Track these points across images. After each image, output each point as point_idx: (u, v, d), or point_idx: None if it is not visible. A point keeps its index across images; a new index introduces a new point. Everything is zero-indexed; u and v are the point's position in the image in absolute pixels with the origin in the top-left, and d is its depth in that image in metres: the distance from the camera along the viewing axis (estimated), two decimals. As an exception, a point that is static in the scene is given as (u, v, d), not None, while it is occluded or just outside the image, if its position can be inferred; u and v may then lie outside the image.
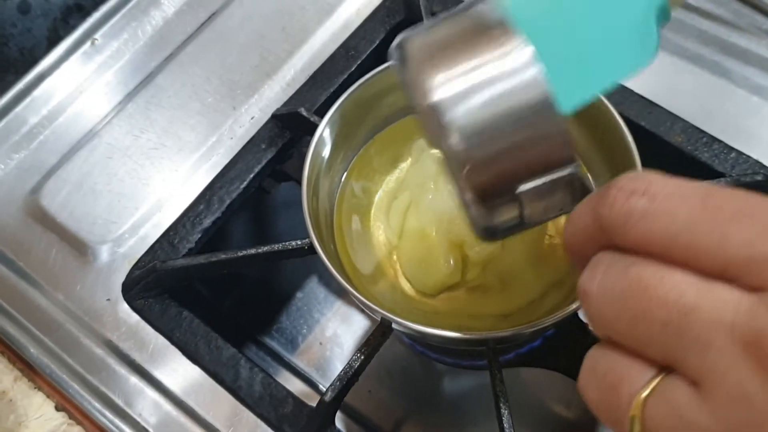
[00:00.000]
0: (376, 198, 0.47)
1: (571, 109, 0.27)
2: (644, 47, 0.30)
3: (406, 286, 0.44)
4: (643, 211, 0.21)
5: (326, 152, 0.44)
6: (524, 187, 0.27)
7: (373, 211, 0.47)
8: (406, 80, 0.28)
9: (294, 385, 0.58)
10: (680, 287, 0.20)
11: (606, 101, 0.42)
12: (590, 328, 0.23)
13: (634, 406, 0.20)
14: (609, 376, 0.22)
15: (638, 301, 0.21)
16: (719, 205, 0.20)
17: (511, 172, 0.27)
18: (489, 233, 0.29)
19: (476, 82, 0.26)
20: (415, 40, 0.28)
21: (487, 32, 0.27)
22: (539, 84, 0.26)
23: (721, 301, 0.19)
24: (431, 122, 0.27)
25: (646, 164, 0.41)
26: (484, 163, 0.26)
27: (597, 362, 0.22)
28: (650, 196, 0.21)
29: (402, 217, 0.46)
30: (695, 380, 0.20)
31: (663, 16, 0.32)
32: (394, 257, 0.45)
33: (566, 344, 0.46)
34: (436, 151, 0.35)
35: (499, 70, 0.26)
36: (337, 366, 0.59)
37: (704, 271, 0.20)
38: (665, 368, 0.21)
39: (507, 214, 0.28)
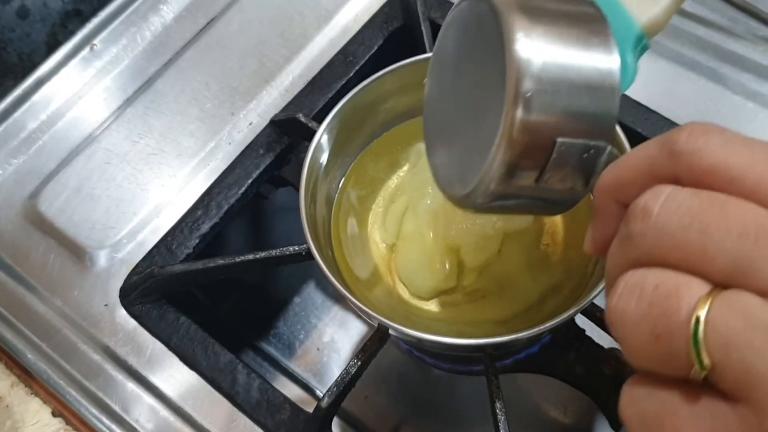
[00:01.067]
0: (374, 203, 0.47)
1: None
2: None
3: (404, 292, 0.45)
4: (721, 143, 0.21)
5: (324, 158, 0.44)
6: (563, 139, 0.27)
7: (370, 217, 0.47)
8: (486, 12, 0.29)
9: (291, 391, 0.58)
10: (757, 210, 0.20)
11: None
12: (625, 254, 0.23)
13: (699, 309, 0.20)
14: (662, 288, 0.21)
15: (712, 215, 0.20)
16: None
17: (561, 118, 0.27)
18: (487, 190, 0.29)
19: (565, 36, 0.28)
20: None
21: (581, 6, 0.29)
22: (617, 70, 0.28)
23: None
24: (504, 49, 0.27)
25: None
26: (544, 96, 0.27)
27: (644, 278, 0.21)
28: (728, 137, 0.21)
29: (399, 221, 0.46)
30: (765, 291, 0.19)
31: (642, 49, 0.33)
32: (392, 263, 0.45)
33: (563, 350, 0.46)
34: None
35: (589, 41, 0.28)
36: (335, 371, 0.59)
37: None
38: (722, 286, 0.20)
39: (527, 167, 0.28)
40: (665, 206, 0.21)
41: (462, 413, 0.56)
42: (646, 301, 0.21)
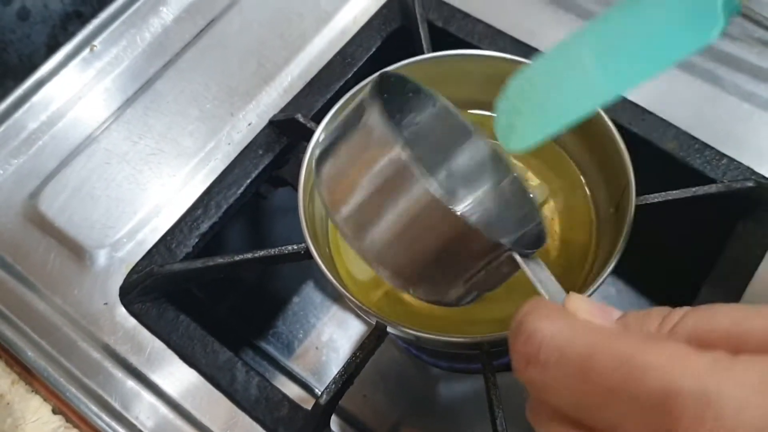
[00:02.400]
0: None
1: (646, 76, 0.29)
2: (704, 23, 0.31)
3: (403, 293, 0.45)
4: (541, 384, 0.22)
5: (322, 158, 0.45)
6: (462, 278, 0.28)
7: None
8: (324, 201, 0.30)
9: (290, 390, 0.58)
10: None
11: (599, 109, 0.42)
12: None
13: None
14: None
15: None
16: (597, 378, 0.21)
17: (441, 276, 0.28)
18: (454, 306, 0.31)
19: (373, 202, 0.27)
20: (325, 162, 0.29)
21: (372, 147, 0.27)
22: (424, 190, 0.26)
23: None
24: (348, 241, 0.29)
25: (639, 170, 0.41)
26: (406, 274, 0.28)
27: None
28: (542, 368, 0.22)
29: None
30: None
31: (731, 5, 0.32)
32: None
33: (560, 348, 0.47)
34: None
35: (389, 188, 0.27)
36: (333, 370, 0.59)
37: None
38: None
39: (453, 295, 0.29)
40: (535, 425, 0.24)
41: (460, 412, 0.57)
42: None
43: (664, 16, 0.31)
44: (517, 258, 0.27)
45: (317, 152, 0.30)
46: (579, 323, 0.23)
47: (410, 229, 0.27)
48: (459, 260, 0.27)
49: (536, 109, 0.31)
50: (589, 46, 0.31)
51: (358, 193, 0.27)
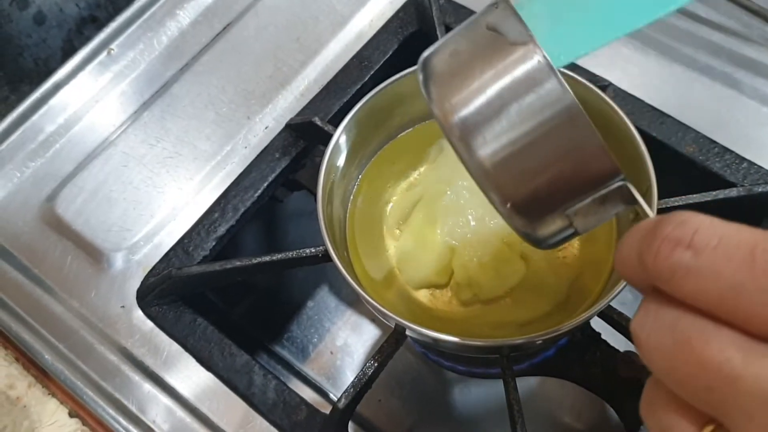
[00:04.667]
0: (389, 206, 0.47)
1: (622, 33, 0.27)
2: None
3: (420, 295, 0.45)
4: (687, 268, 0.21)
5: (340, 160, 0.45)
6: (572, 208, 0.26)
7: (386, 219, 0.47)
8: (432, 100, 0.27)
9: (304, 394, 0.57)
10: (726, 351, 0.20)
11: (621, 112, 0.42)
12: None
13: None
14: (663, 421, 0.22)
15: (685, 363, 0.20)
16: (766, 266, 0.20)
17: (551, 196, 0.26)
18: (542, 244, 0.28)
19: (495, 101, 0.25)
20: (437, 58, 0.27)
21: (506, 47, 0.25)
22: (565, 97, 0.24)
23: (765, 370, 0.19)
24: (458, 149, 0.26)
25: (658, 174, 0.41)
26: (519, 189, 0.25)
27: (652, 402, 0.22)
28: (695, 251, 0.20)
29: (409, 209, 0.46)
30: None
31: None
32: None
33: (579, 354, 0.46)
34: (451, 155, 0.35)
35: (518, 86, 0.25)
36: (348, 375, 0.59)
37: (751, 333, 0.20)
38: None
39: (554, 228, 0.27)
40: (648, 340, 0.22)
41: (475, 417, 0.56)
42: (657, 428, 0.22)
43: None
44: (633, 189, 0.25)
45: (425, 54, 0.28)
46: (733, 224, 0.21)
47: (534, 136, 0.25)
48: (573, 181, 0.25)
49: (576, 14, 0.28)
50: None
51: (479, 94, 0.25)
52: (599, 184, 0.26)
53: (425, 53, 0.28)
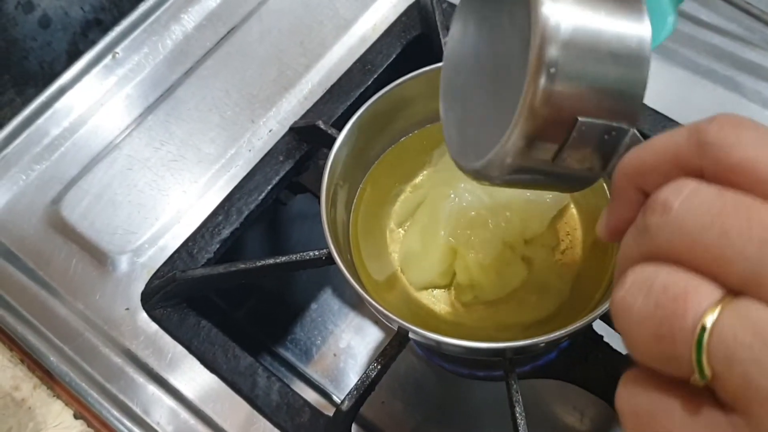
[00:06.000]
0: (392, 209, 0.47)
1: None
2: (655, 25, 0.30)
3: (423, 297, 0.45)
4: (753, 140, 0.20)
5: (344, 164, 0.45)
6: (585, 118, 0.26)
7: (389, 222, 0.47)
8: None
9: (308, 396, 0.58)
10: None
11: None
12: (638, 246, 0.22)
13: (706, 316, 0.19)
14: (672, 289, 0.20)
15: (735, 218, 0.20)
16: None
17: (584, 96, 0.26)
18: (501, 164, 0.28)
19: (594, 2, 0.26)
20: None
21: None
22: (647, 43, 0.26)
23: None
24: (530, 19, 0.26)
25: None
26: (569, 70, 0.26)
27: (653, 276, 0.20)
28: (762, 133, 0.21)
29: (412, 210, 0.46)
30: None
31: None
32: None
33: (582, 356, 0.47)
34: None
35: (618, 11, 0.26)
36: (351, 377, 0.59)
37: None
38: (734, 293, 0.20)
39: (546, 142, 0.27)
40: (686, 202, 0.21)
41: (478, 419, 0.56)
42: (653, 300, 0.20)
43: None
44: (638, 134, 0.27)
45: None
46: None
47: (610, 40, 0.26)
48: (608, 94, 0.26)
49: None
50: None
51: None
52: (617, 116, 0.27)
53: None
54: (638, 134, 0.27)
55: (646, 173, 0.23)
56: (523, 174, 0.29)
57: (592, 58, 0.26)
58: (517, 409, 0.41)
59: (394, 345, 0.43)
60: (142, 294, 0.50)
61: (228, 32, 0.60)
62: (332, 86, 0.56)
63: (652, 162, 0.23)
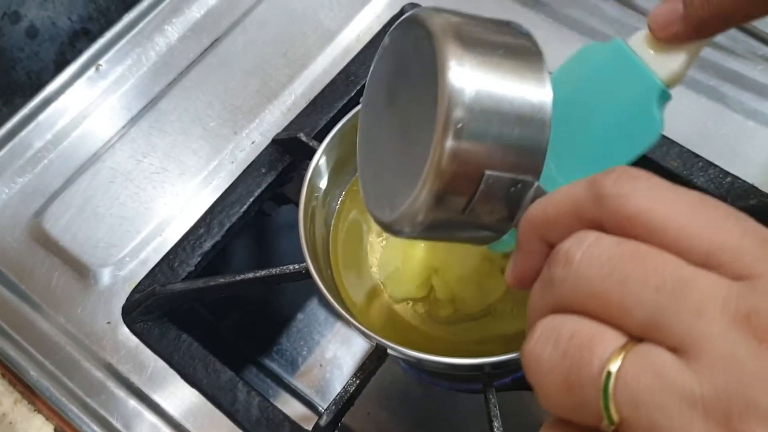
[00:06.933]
0: (372, 223, 0.47)
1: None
2: (646, 129, 0.32)
3: (404, 312, 0.45)
4: (646, 191, 0.21)
5: (324, 178, 0.45)
6: (491, 171, 0.27)
7: (369, 237, 0.47)
8: (423, 33, 0.29)
9: (293, 407, 0.58)
10: (676, 262, 0.20)
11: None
12: (544, 299, 0.23)
13: (610, 363, 0.20)
14: (577, 337, 0.21)
15: (632, 266, 0.21)
16: (715, 205, 0.21)
17: (489, 151, 0.27)
18: (413, 217, 0.29)
19: (498, 65, 0.28)
20: (447, 11, 0.30)
21: (518, 42, 0.29)
22: (548, 104, 0.28)
23: (714, 279, 0.20)
24: (438, 77, 0.27)
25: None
26: (474, 127, 0.27)
27: (560, 325, 0.21)
28: (654, 184, 0.22)
29: None
30: (678, 347, 0.19)
31: (664, 98, 0.34)
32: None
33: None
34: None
35: (520, 70, 0.28)
36: (337, 388, 0.59)
37: (693, 259, 0.20)
38: (637, 339, 0.20)
39: (455, 195, 0.28)
40: (587, 254, 0.21)
41: (464, 430, 0.56)
42: (561, 350, 0.21)
43: (604, 122, 0.31)
44: (532, 194, 0.28)
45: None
46: None
47: (513, 98, 0.27)
48: (512, 150, 0.28)
49: None
50: None
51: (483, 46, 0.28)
52: (522, 170, 0.28)
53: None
54: (542, 187, 0.29)
55: (549, 225, 0.24)
56: (434, 229, 0.30)
57: (496, 119, 0.27)
58: (495, 423, 0.41)
59: (373, 360, 0.43)
60: (123, 308, 0.50)
61: (212, 43, 0.60)
62: (315, 97, 0.56)
63: (554, 214, 0.24)
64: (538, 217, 0.25)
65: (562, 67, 0.36)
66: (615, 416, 0.19)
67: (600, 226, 0.22)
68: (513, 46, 0.29)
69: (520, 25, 0.30)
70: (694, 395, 0.19)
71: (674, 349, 0.19)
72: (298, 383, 0.60)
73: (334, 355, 0.61)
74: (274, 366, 0.61)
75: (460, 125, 0.27)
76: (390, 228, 0.31)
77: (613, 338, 0.20)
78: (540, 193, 0.28)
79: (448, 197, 0.28)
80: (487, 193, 0.28)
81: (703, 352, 0.19)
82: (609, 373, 0.20)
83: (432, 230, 0.30)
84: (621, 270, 0.20)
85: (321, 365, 0.61)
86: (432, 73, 0.27)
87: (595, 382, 0.20)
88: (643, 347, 0.20)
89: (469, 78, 0.27)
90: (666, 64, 0.34)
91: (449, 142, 0.27)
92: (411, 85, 0.31)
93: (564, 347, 0.21)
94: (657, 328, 0.20)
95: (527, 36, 0.30)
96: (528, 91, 0.28)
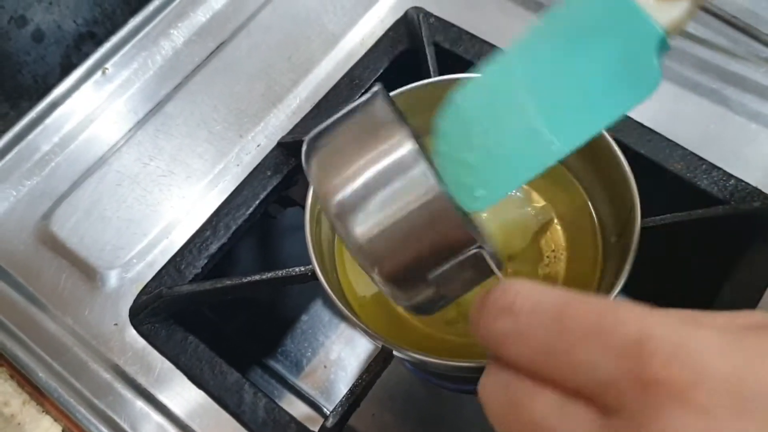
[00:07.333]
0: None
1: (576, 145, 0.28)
2: (644, 79, 0.31)
3: (409, 314, 0.45)
4: (507, 334, 0.23)
5: (329, 181, 0.45)
6: (433, 273, 0.28)
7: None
8: (313, 180, 0.30)
9: (298, 409, 0.58)
10: (544, 410, 0.21)
11: (605, 134, 0.42)
12: None
13: None
14: None
15: (515, 422, 0.22)
16: (572, 323, 0.21)
17: (417, 264, 0.28)
18: (420, 311, 0.31)
19: (369, 184, 0.28)
20: (315, 144, 0.30)
21: (377, 131, 0.29)
22: (425, 179, 0.28)
23: (576, 425, 0.21)
24: (336, 225, 0.28)
25: (645, 192, 0.41)
26: (389, 260, 0.28)
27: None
28: (514, 316, 0.23)
29: None
30: None
31: (664, 48, 0.32)
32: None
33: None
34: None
35: (389, 171, 0.28)
36: (342, 389, 0.59)
37: (566, 391, 0.21)
38: None
39: (424, 296, 0.30)
40: (488, 400, 0.23)
41: (469, 431, 0.56)
42: None
43: (599, 72, 0.30)
44: (486, 256, 0.28)
45: (310, 136, 0.31)
46: (553, 287, 0.23)
47: (401, 214, 0.28)
48: (435, 250, 0.28)
49: (484, 162, 0.29)
50: (524, 86, 0.29)
51: (354, 178, 0.28)
52: (458, 252, 0.28)
53: (310, 135, 0.31)
54: (487, 246, 0.29)
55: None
56: (432, 304, 0.31)
57: (405, 245, 0.28)
58: (501, 425, 0.41)
59: (379, 361, 0.43)
60: (130, 310, 0.50)
61: (217, 48, 0.60)
62: (320, 101, 0.56)
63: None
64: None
65: (551, 12, 0.34)
66: None
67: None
68: (373, 146, 0.28)
69: (375, 96, 0.30)
70: None
71: None
72: (302, 384, 0.61)
73: (339, 356, 0.61)
74: (278, 367, 0.62)
75: (378, 271, 0.28)
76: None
77: None
78: (489, 251, 0.29)
79: (421, 302, 0.30)
80: (445, 283, 0.29)
81: None
82: None
83: (435, 306, 0.31)
84: (508, 425, 0.22)
85: (325, 366, 0.61)
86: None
87: None
88: None
89: (358, 229, 0.28)
90: (667, 10, 0.33)
91: (386, 290, 0.29)
92: None
93: None
94: None
95: (381, 108, 0.29)
96: (403, 186, 0.28)
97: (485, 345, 0.24)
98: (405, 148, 0.28)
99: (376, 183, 0.28)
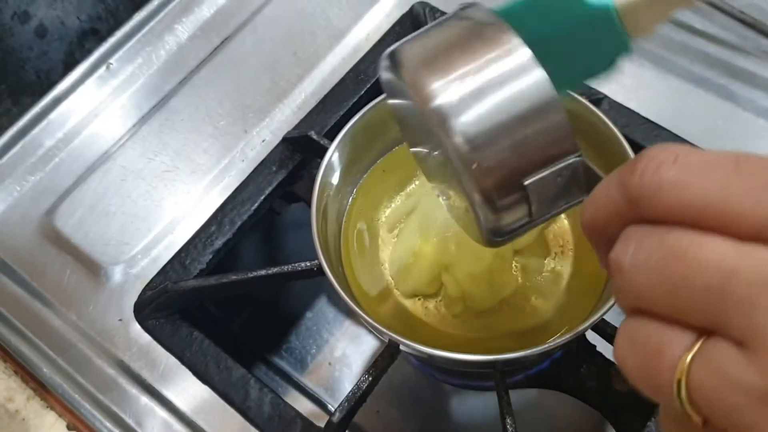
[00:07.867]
0: (383, 219, 0.48)
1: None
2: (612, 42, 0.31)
3: (416, 309, 0.45)
4: (674, 180, 0.21)
5: (335, 175, 0.45)
6: (530, 179, 0.28)
7: (380, 233, 0.47)
8: (399, 88, 0.29)
9: (303, 405, 0.58)
10: (719, 251, 0.20)
11: (613, 127, 0.42)
12: (619, 303, 0.23)
13: (679, 370, 0.20)
14: (649, 344, 0.21)
15: (677, 268, 0.20)
16: (751, 171, 0.20)
17: (517, 167, 0.28)
18: (497, 235, 0.30)
19: (477, 83, 0.27)
20: (407, 47, 0.29)
21: (483, 34, 0.28)
22: (543, 82, 0.27)
23: (761, 261, 0.19)
24: (430, 127, 0.27)
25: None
26: (489, 160, 0.27)
27: (635, 331, 0.21)
28: (680, 166, 0.21)
29: (404, 218, 0.46)
30: (740, 341, 0.19)
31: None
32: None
33: (574, 366, 0.46)
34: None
35: (500, 70, 0.27)
36: (346, 386, 0.59)
37: (740, 236, 0.20)
38: (706, 332, 0.20)
39: (515, 212, 0.29)
40: (633, 262, 0.21)
41: (474, 428, 0.56)
42: (639, 356, 0.21)
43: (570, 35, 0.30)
44: (589, 163, 0.28)
45: (391, 49, 0.30)
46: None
47: (512, 118, 0.27)
48: (537, 153, 0.28)
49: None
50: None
51: (460, 78, 0.27)
52: (558, 158, 0.28)
53: (390, 49, 0.30)
54: (586, 159, 0.29)
55: (603, 229, 0.24)
56: (518, 231, 0.30)
57: (508, 139, 0.27)
58: (509, 420, 0.41)
59: (386, 357, 0.43)
60: (135, 305, 0.50)
61: (222, 42, 0.60)
62: (325, 96, 0.56)
63: (603, 220, 0.24)
64: (591, 224, 0.24)
65: None
66: (696, 418, 0.20)
67: (648, 219, 0.22)
68: (480, 44, 0.28)
69: (471, 3, 0.30)
70: (760, 391, 0.18)
71: (739, 343, 0.19)
72: (306, 381, 0.60)
73: (343, 353, 0.61)
74: (283, 364, 0.61)
75: (477, 167, 0.27)
76: (486, 244, 0.31)
77: (680, 343, 0.20)
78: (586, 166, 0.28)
79: (508, 219, 0.29)
80: (539, 196, 0.28)
81: (763, 345, 0.19)
82: (680, 381, 0.20)
83: (516, 233, 0.30)
84: (667, 276, 0.20)
85: (330, 363, 0.61)
86: (430, 129, 0.28)
87: (670, 390, 0.20)
88: (708, 347, 0.20)
89: (464, 122, 0.27)
90: None
91: (478, 196, 0.28)
92: (423, 137, 0.31)
93: (640, 354, 0.21)
94: (717, 327, 0.20)
95: (483, 14, 0.29)
96: (520, 89, 0.27)
97: (636, 196, 0.21)
98: (521, 53, 0.27)
99: (491, 83, 0.27)
